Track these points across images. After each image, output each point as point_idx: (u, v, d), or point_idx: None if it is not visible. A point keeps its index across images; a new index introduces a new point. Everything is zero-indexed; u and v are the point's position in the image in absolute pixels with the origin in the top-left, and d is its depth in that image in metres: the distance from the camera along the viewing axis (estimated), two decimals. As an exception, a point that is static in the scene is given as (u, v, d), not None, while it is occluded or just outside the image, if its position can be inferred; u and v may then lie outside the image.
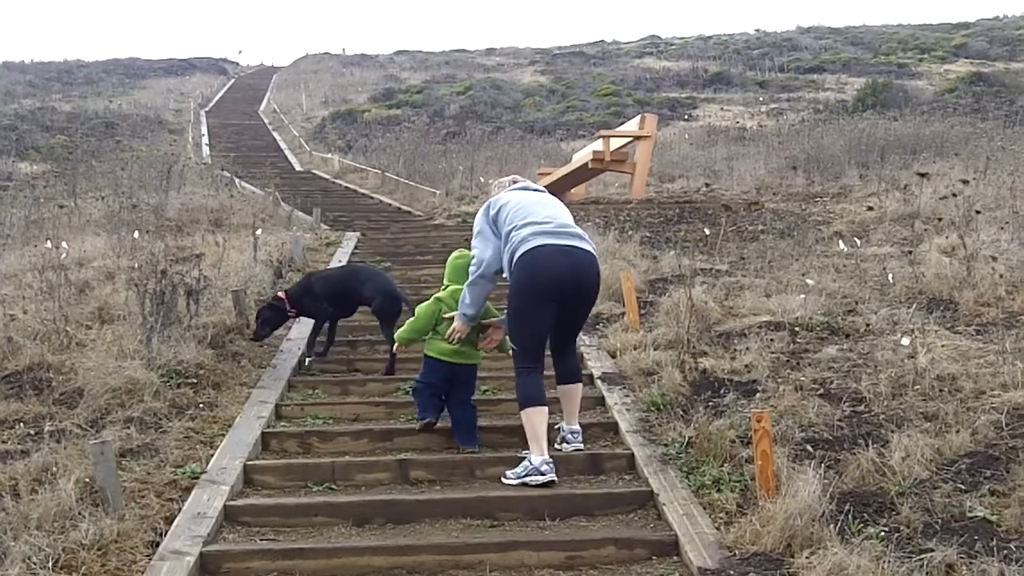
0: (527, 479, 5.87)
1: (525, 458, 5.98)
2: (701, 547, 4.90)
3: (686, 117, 34.06)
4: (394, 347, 7.55)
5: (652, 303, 9.47)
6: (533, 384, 6.04)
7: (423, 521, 5.55)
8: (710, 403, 6.72)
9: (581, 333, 8.02)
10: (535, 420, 5.94)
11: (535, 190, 6.52)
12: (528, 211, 6.12)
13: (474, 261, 6.30)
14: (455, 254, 6.96)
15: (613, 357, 8.28)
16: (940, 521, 4.88)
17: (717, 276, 10.31)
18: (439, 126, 32.73)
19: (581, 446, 6.43)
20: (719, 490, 5.51)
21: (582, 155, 18.44)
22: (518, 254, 5.99)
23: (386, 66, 54.12)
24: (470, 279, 6.33)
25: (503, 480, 6.00)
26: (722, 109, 35.44)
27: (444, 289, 6.83)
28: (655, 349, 8.05)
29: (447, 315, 6.60)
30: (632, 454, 6.25)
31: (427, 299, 6.98)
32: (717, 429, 6.13)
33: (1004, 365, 6.65)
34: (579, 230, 6.23)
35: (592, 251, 6.19)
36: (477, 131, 29.48)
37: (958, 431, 5.76)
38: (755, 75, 42.41)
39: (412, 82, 45.78)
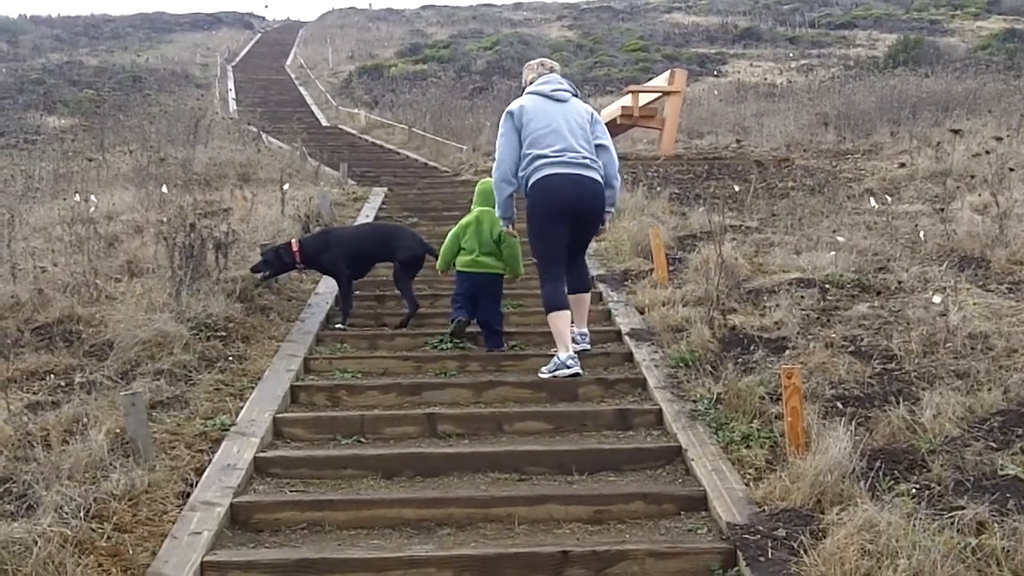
0: (556, 372, 6.80)
1: (554, 356, 6.89)
2: (730, 502, 4.89)
3: (715, 73, 33.73)
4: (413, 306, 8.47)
5: (681, 260, 9.42)
6: (555, 292, 6.86)
7: (451, 474, 5.57)
8: (739, 360, 6.69)
9: (610, 289, 8.58)
10: (559, 323, 6.81)
11: (556, 99, 6.96)
12: (543, 138, 6.79)
13: (495, 165, 7.03)
14: (482, 181, 8.05)
15: (641, 313, 8.24)
16: (971, 479, 4.84)
17: (747, 233, 10.24)
18: (466, 81, 32.55)
19: (588, 347, 7.27)
20: (748, 446, 5.49)
21: (611, 111, 18.32)
22: (531, 181, 6.80)
23: (412, 21, 53.84)
24: (494, 183, 7.09)
25: (540, 375, 6.89)
26: (752, 65, 35.07)
27: (471, 213, 7.87)
28: (684, 306, 8.00)
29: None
30: (660, 410, 6.24)
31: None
32: (746, 385, 6.10)
33: (1037, 323, 6.60)
34: (586, 156, 6.83)
35: (597, 178, 6.86)
36: (504, 86, 29.30)
37: (990, 389, 5.71)
38: (785, 31, 41.92)
39: (439, 37, 45.52)
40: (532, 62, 7.46)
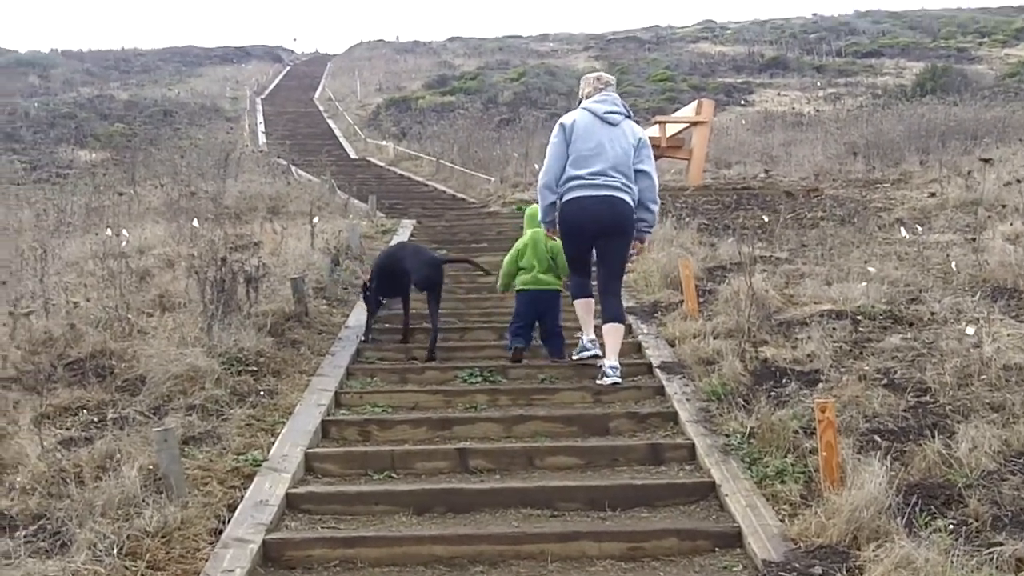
0: (582, 354, 7.62)
1: (580, 339, 7.76)
2: (765, 539, 4.85)
3: (742, 102, 33.75)
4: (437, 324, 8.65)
5: (711, 291, 9.39)
6: (581, 285, 7.64)
7: (483, 510, 5.54)
8: (772, 393, 6.64)
9: (640, 321, 8.53)
10: (582, 309, 7.63)
11: (607, 122, 7.34)
12: (584, 160, 7.26)
13: (542, 172, 7.52)
14: (529, 207, 8.53)
15: (672, 346, 8.22)
16: (1009, 514, 4.79)
17: (776, 264, 10.20)
18: (493, 113, 32.71)
19: (620, 380, 7.32)
20: (782, 481, 5.44)
21: (637, 141, 18.31)
22: (564, 198, 7.36)
23: (439, 53, 54.19)
24: (539, 188, 7.57)
25: (572, 358, 7.72)
26: (779, 94, 35.09)
27: (525, 235, 8.32)
28: (714, 338, 7.96)
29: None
30: (693, 444, 6.20)
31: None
32: (779, 419, 6.06)
33: (1073, 355, 6.52)
34: (619, 181, 7.27)
35: (627, 200, 7.31)
36: (531, 117, 29.40)
37: (1026, 422, 5.65)
38: (812, 60, 41.95)
39: (465, 69, 45.79)
40: (590, 75, 7.81)
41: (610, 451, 6.29)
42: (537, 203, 7.78)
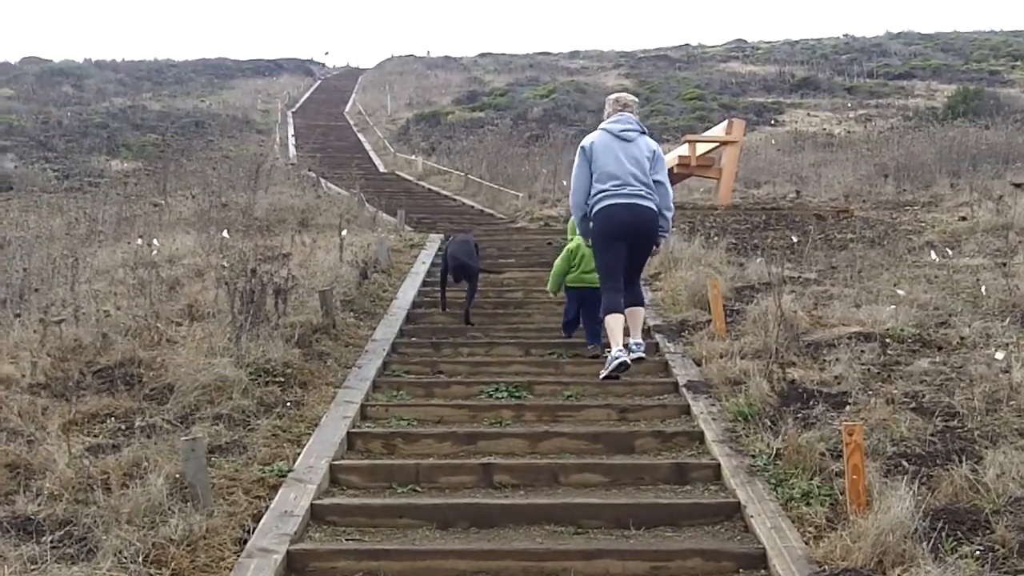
0: (612, 367, 7.27)
1: (607, 355, 7.62)
2: (790, 561, 4.82)
3: (772, 122, 33.66)
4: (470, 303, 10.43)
5: (739, 311, 9.36)
6: (612, 300, 7.59)
7: (507, 526, 5.54)
8: (799, 414, 6.61)
9: (666, 340, 8.67)
10: (612, 324, 7.51)
11: (623, 139, 7.77)
12: (606, 175, 7.67)
13: (571, 193, 7.98)
14: (570, 219, 9.09)
15: (699, 365, 8.21)
16: (1036, 541, 4.74)
17: (805, 285, 10.17)
18: (522, 129, 32.76)
19: (643, 355, 7.53)
20: (808, 503, 5.42)
21: (668, 160, 18.26)
22: (595, 209, 7.70)
23: (470, 68, 54.35)
24: (571, 207, 8.04)
25: (600, 375, 7.46)
26: (809, 115, 34.97)
27: (572, 242, 9.27)
28: (742, 358, 7.94)
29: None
30: (718, 464, 6.19)
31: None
32: (806, 441, 6.03)
33: (1104, 382, 6.47)
34: (642, 189, 7.65)
35: (651, 206, 7.67)
36: (560, 134, 29.43)
37: (1055, 448, 5.60)
38: (843, 80, 41.80)
39: (496, 85, 45.90)
40: (611, 96, 8.28)
41: (635, 469, 6.28)
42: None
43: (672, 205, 8.05)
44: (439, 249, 14.23)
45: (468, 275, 10.48)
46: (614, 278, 7.80)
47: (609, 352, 7.55)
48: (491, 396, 7.83)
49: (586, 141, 7.89)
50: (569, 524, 5.53)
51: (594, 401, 7.66)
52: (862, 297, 9.38)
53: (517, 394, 7.84)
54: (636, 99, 8.34)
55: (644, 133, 7.97)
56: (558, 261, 9.39)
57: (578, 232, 8.23)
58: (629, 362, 7.39)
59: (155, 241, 11.74)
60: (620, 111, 7.97)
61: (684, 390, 7.62)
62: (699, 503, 5.74)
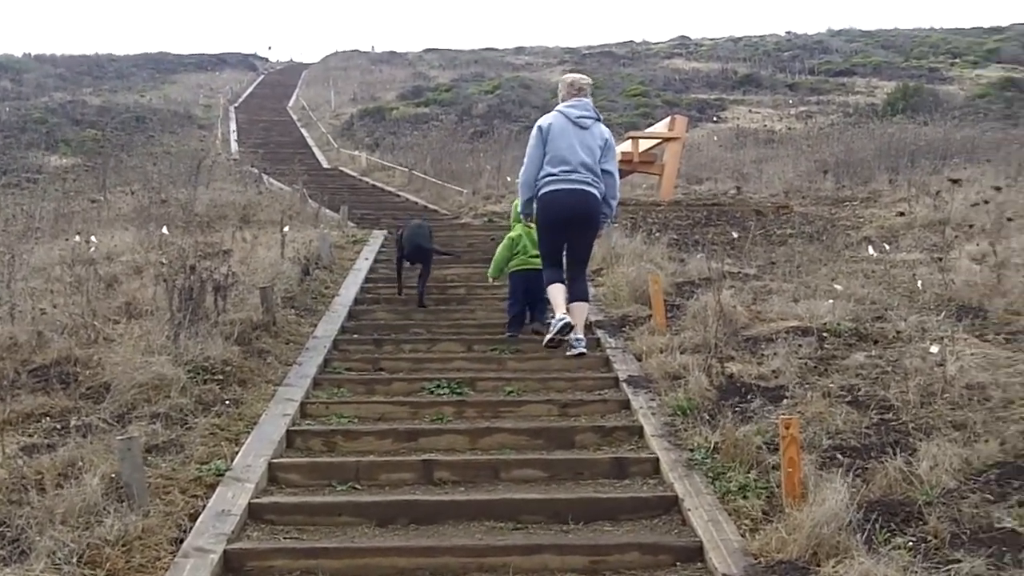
0: (557, 327, 8.15)
1: (550, 320, 8.45)
2: (726, 554, 4.87)
3: (715, 119, 33.94)
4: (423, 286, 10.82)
5: (679, 306, 9.41)
6: (554, 273, 8.40)
7: (447, 522, 5.53)
8: (737, 408, 6.67)
9: (608, 335, 8.98)
10: (555, 292, 8.30)
11: (579, 126, 8.24)
12: (558, 160, 8.18)
13: (523, 170, 8.44)
14: (515, 202, 9.37)
15: (639, 360, 8.24)
16: (968, 532, 4.82)
17: (745, 280, 10.25)
18: (467, 125, 32.75)
19: (585, 350, 8.34)
20: (745, 496, 5.46)
21: (611, 155, 18.39)
22: (541, 192, 8.26)
23: (415, 64, 54.22)
24: (520, 184, 8.55)
25: (545, 339, 8.33)
26: (751, 111, 35.30)
27: (514, 229, 9.54)
28: (682, 353, 7.99)
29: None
30: (657, 458, 6.22)
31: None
32: (744, 435, 6.09)
33: (1034, 375, 6.58)
34: (588, 177, 8.21)
35: (595, 193, 8.25)
36: (505, 130, 29.48)
37: (987, 441, 5.69)
38: (785, 77, 42.23)
39: (441, 80, 45.84)
40: (567, 78, 8.71)
41: (575, 464, 6.29)
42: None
43: (618, 194, 8.61)
44: (383, 244, 14.23)
45: (423, 257, 10.86)
46: (556, 258, 8.47)
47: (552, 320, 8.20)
48: (433, 393, 7.81)
49: (543, 121, 8.36)
50: (509, 520, 5.53)
51: (536, 397, 7.66)
52: (800, 292, 9.48)
53: (459, 390, 7.83)
54: (591, 81, 8.73)
55: (599, 120, 8.45)
56: (500, 248, 9.65)
57: (520, 211, 8.73)
58: (572, 324, 8.10)
59: (93, 238, 11.58)
60: (576, 95, 8.38)
61: (625, 385, 7.65)
62: (637, 497, 5.76)
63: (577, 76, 8.76)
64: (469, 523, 5.53)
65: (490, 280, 10.16)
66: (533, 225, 8.73)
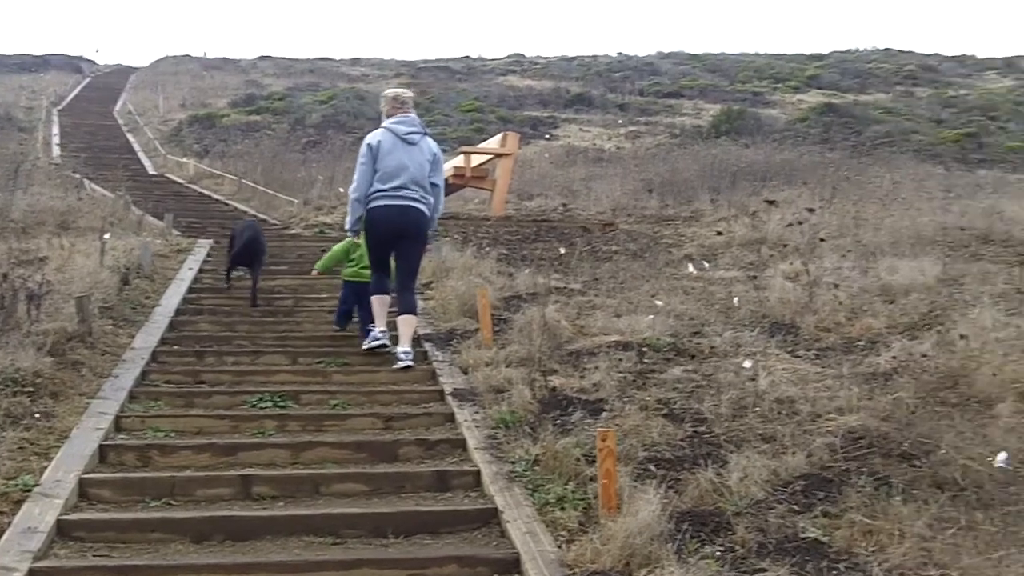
0: (372, 343, 8.68)
1: (370, 330, 8.80)
2: (542, 565, 4.93)
3: (547, 136, 34.37)
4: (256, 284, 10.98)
5: (506, 320, 9.50)
6: (380, 282, 8.69)
7: (264, 538, 5.45)
8: (558, 421, 6.77)
9: (435, 348, 8.98)
10: (378, 304, 8.65)
11: (408, 142, 8.46)
12: (387, 176, 8.38)
13: (353, 187, 8.59)
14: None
15: (465, 373, 8.29)
16: (774, 541, 5.01)
17: (571, 295, 10.43)
18: (299, 134, 32.35)
19: (412, 363, 8.42)
20: (562, 508, 5.55)
21: (444, 169, 18.43)
22: (370, 206, 8.46)
23: (248, 71, 53.22)
24: (350, 201, 8.69)
25: (363, 346, 8.82)
26: (582, 130, 35.87)
27: (346, 240, 9.61)
28: (507, 366, 8.08)
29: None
30: (479, 471, 6.26)
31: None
32: (563, 447, 6.19)
33: (840, 389, 6.90)
34: (416, 193, 8.47)
35: (423, 209, 8.52)
36: (339, 141, 29.23)
37: (794, 453, 5.93)
38: (616, 97, 43.01)
39: (274, 89, 45.13)
40: (388, 93, 8.90)
41: (397, 478, 6.29)
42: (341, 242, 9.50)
43: (442, 207, 9.01)
44: (209, 253, 13.93)
45: (256, 256, 11.02)
46: (383, 267, 8.73)
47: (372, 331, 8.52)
48: (255, 406, 7.68)
49: (372, 139, 8.53)
50: (328, 534, 5.49)
51: (360, 410, 7.62)
52: (623, 307, 9.69)
53: (282, 404, 7.73)
54: (412, 95, 8.97)
55: (426, 135, 8.71)
56: (337, 247, 9.87)
57: (348, 228, 8.86)
58: (388, 346, 8.38)
59: None
60: (400, 108, 8.60)
61: (450, 398, 7.68)
62: (458, 510, 5.79)
63: (400, 91, 8.99)
64: (287, 539, 5.46)
65: (314, 273, 10.42)
66: (361, 241, 8.94)
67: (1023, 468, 5.74)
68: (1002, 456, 5.77)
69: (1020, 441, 6.07)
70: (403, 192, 8.44)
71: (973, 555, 4.70)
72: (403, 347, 8.46)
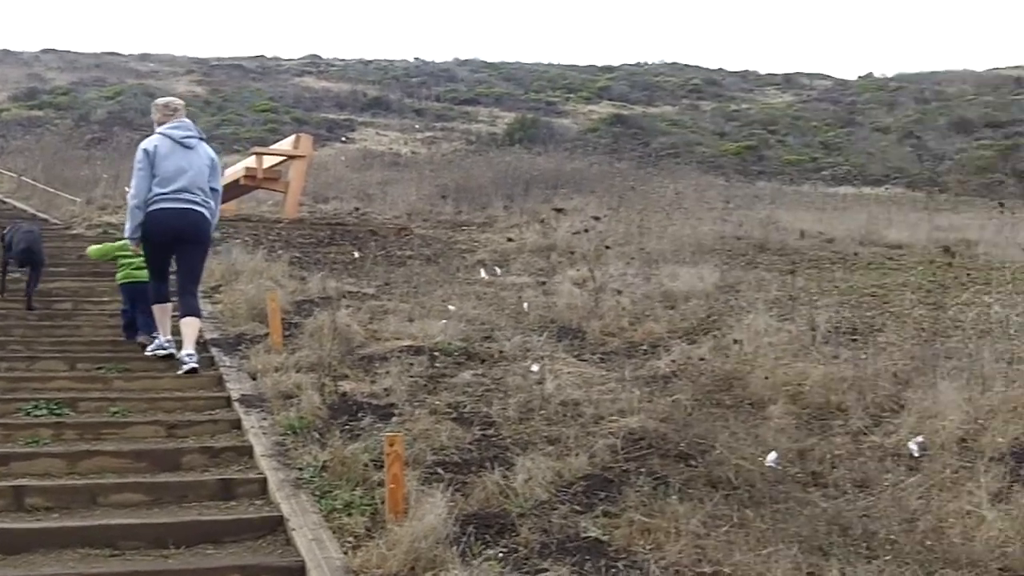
0: (157, 351, 8.54)
1: (157, 337, 8.66)
2: (327, 572, 4.90)
3: (343, 139, 34.16)
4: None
5: (297, 325, 9.41)
6: (160, 290, 8.63)
7: (37, 551, 5.22)
8: (347, 426, 6.75)
9: (223, 354, 8.85)
10: (160, 313, 8.61)
11: (185, 146, 8.38)
12: (167, 180, 8.27)
13: (131, 194, 8.42)
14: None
15: (254, 379, 8.16)
16: (556, 541, 5.13)
17: (363, 299, 10.40)
18: (84, 131, 31.15)
19: (196, 366, 8.22)
20: (350, 514, 5.53)
21: (234, 171, 18.11)
22: (149, 210, 8.30)
23: (31, 64, 50.79)
24: (129, 208, 8.45)
25: (145, 352, 8.66)
26: (379, 134, 35.81)
27: (118, 242, 9.61)
28: (297, 371, 7.99)
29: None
30: (265, 478, 6.17)
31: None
32: (352, 453, 6.17)
33: (623, 392, 7.13)
34: (197, 196, 8.38)
35: (204, 212, 8.43)
36: (125, 138, 28.25)
37: (578, 454, 6.09)
38: (413, 102, 43.10)
39: (58, 83, 43.30)
40: (159, 101, 8.81)
41: (180, 487, 6.13)
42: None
43: (218, 211, 8.93)
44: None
45: (34, 261, 10.74)
46: (163, 274, 8.64)
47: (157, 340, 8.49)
48: (29, 414, 7.33)
49: (148, 144, 8.40)
50: (105, 546, 5.31)
51: (142, 417, 7.39)
52: (416, 312, 9.74)
53: (58, 411, 7.41)
54: (184, 103, 8.94)
55: (203, 140, 8.66)
56: (111, 243, 9.97)
57: (128, 235, 8.60)
58: (175, 354, 8.21)
59: None
60: (171, 116, 8.53)
61: (237, 404, 7.54)
62: (242, 519, 5.69)
63: (171, 99, 8.94)
64: (62, 551, 5.25)
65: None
66: (140, 250, 8.72)
67: (792, 467, 6.07)
68: (772, 456, 6.09)
69: (790, 441, 6.41)
70: (184, 195, 8.35)
71: (744, 551, 4.92)
72: (187, 350, 8.30)
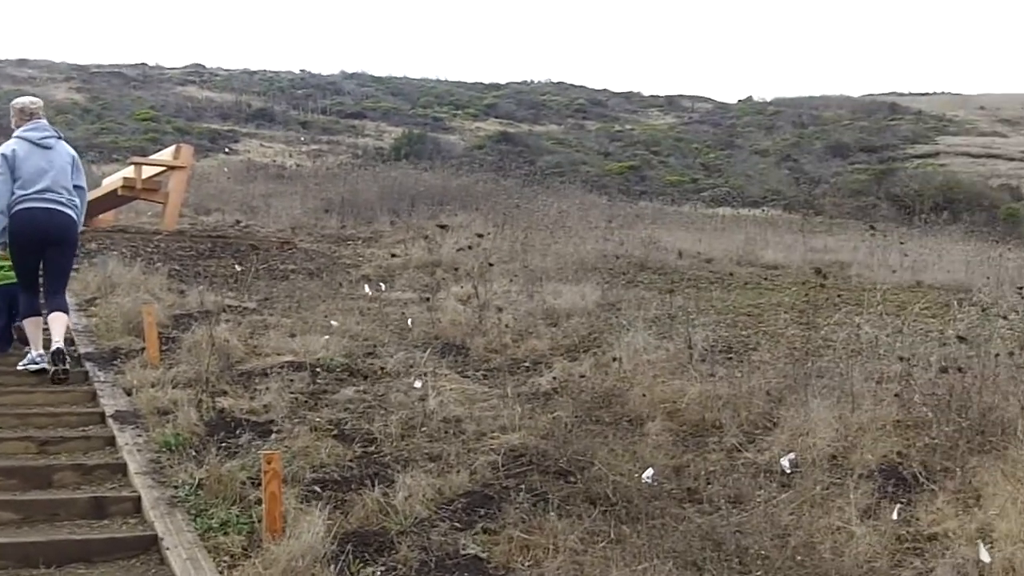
0: (29, 366, 8.23)
1: (28, 352, 8.36)
2: (202, 592, 4.84)
3: (227, 150, 33.66)
4: None
5: (175, 339, 9.24)
6: (31, 302, 8.44)
7: None
8: (225, 443, 6.66)
9: (97, 368, 8.66)
10: (31, 327, 8.38)
11: (44, 146, 8.32)
12: (29, 181, 8.18)
13: None
14: None
15: (129, 395, 7.99)
16: (435, 559, 5.15)
17: (244, 314, 10.26)
18: (-45, 137, 30.16)
19: (68, 366, 8.08)
20: (226, 533, 5.47)
21: (113, 180, 17.69)
22: (13, 212, 8.17)
23: None
24: None
25: (17, 367, 8.25)
26: (263, 145, 35.41)
27: None
28: (173, 387, 7.85)
29: None
30: (139, 497, 6.06)
31: None
32: (228, 470, 6.09)
33: (505, 409, 7.17)
34: (62, 196, 8.29)
35: (70, 212, 8.34)
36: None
37: (459, 471, 6.13)
38: (298, 115, 42.73)
39: (-75, 88, 41.87)
40: (16, 104, 8.67)
41: (50, 505, 5.99)
42: None
43: (85, 206, 8.85)
44: None
45: None
46: (33, 281, 8.49)
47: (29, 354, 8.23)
48: None
49: (5, 148, 8.33)
50: (-30, 567, 5.17)
51: (13, 433, 7.18)
52: (298, 327, 9.64)
53: (-78, 427, 7.18)
54: (42, 103, 8.83)
55: (61, 138, 8.62)
56: None
57: None
58: (49, 370, 7.99)
59: None
60: (28, 119, 8.47)
61: (111, 421, 7.37)
62: (115, 538, 5.58)
63: (27, 101, 8.77)
64: (-78, 573, 5.09)
65: None
66: (7, 255, 8.57)
67: (668, 483, 6.18)
68: (649, 472, 6.19)
69: (666, 457, 6.53)
70: (48, 195, 8.30)
71: (621, 567, 5.00)
72: (58, 342, 8.16)
